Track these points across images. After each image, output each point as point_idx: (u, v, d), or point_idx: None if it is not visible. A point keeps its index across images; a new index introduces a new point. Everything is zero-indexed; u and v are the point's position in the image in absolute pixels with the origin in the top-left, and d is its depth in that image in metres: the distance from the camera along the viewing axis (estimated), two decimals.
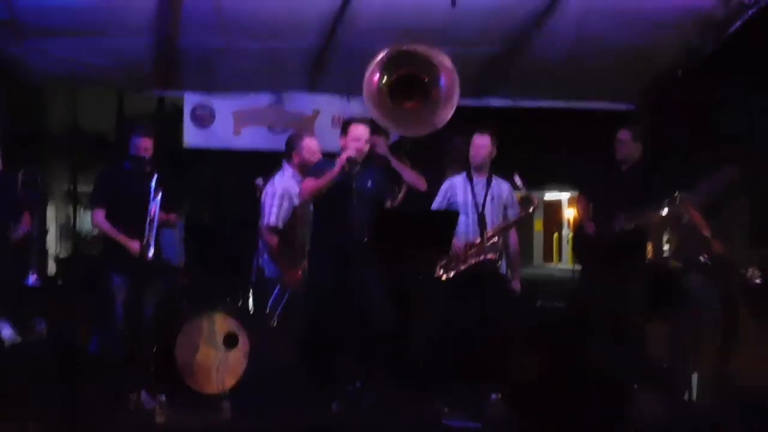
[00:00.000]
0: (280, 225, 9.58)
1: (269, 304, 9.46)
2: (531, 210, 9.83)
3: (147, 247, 9.12)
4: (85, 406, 8.10)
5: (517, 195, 9.89)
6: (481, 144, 9.60)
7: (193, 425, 8.47)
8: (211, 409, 8.84)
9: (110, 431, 8.14)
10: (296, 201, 9.57)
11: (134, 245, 9.14)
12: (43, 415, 7.79)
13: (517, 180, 9.55)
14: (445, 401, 8.87)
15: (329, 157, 9.22)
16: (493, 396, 8.99)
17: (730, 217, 9.67)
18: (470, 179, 9.61)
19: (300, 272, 9.35)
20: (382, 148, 9.61)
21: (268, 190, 9.69)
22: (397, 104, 8.84)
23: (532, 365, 9.55)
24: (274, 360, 9.08)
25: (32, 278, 9.36)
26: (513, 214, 9.72)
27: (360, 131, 8.94)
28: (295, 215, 9.62)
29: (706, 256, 9.37)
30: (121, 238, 9.24)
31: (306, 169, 9.39)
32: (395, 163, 9.51)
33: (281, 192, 9.62)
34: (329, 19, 10.23)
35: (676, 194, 9.79)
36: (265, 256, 9.69)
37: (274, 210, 9.58)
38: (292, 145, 9.89)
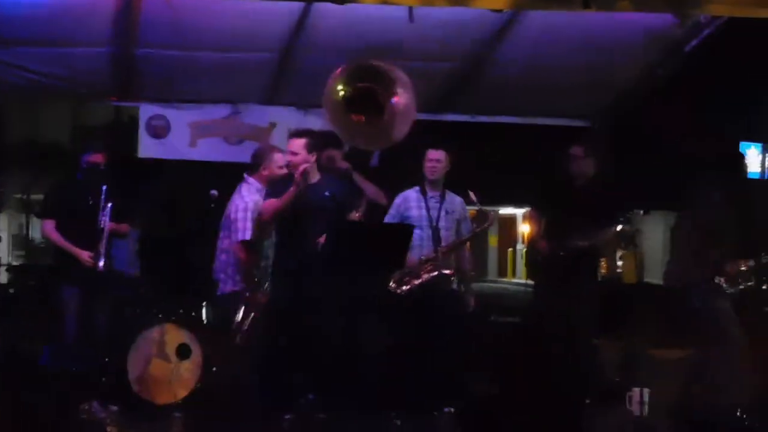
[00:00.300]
0: (252, 239, 9.54)
1: (235, 321, 9.40)
2: (486, 226, 9.88)
3: (98, 257, 9.17)
4: (36, 417, 8.06)
5: (472, 211, 9.94)
6: (436, 159, 9.64)
7: None
8: (164, 420, 8.82)
9: None
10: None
11: (84, 255, 9.18)
12: None
13: (472, 196, 9.59)
14: (397, 415, 8.89)
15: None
16: (446, 410, 9.00)
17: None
18: (424, 193, 9.64)
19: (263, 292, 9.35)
20: (342, 162, 9.65)
21: (237, 204, 9.63)
22: (355, 117, 8.87)
23: (485, 379, 9.59)
24: (229, 372, 9.08)
25: None
26: (466, 229, 9.75)
27: (295, 145, 9.00)
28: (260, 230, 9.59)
29: (722, 279, 9.32)
30: (71, 249, 9.28)
31: (273, 183, 9.37)
32: (357, 176, 9.55)
33: (252, 206, 9.56)
34: (287, 32, 10.22)
35: (632, 212, 9.88)
36: (229, 271, 9.66)
37: (248, 225, 9.52)
38: (260, 158, 9.85)
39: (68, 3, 9.14)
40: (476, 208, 9.78)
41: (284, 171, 9.46)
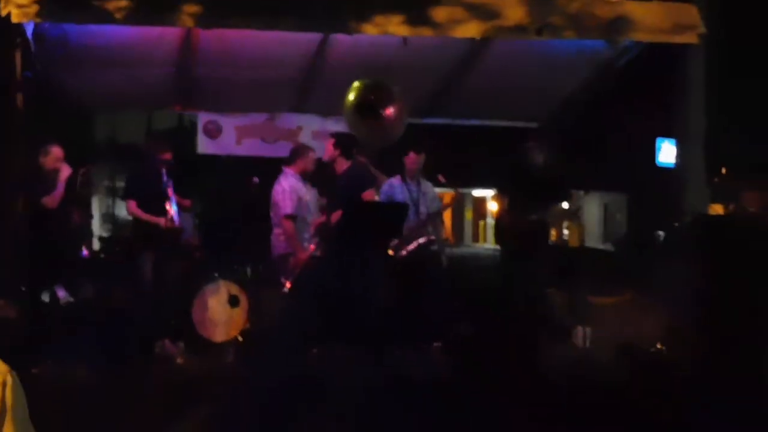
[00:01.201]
0: (294, 213, 9.56)
1: (282, 275, 9.43)
2: (452, 202, 10.04)
3: (178, 226, 9.29)
4: (122, 351, 8.08)
5: (449, 193, 10.03)
6: (414, 159, 9.76)
7: (205, 366, 8.46)
8: (220, 353, 8.84)
9: (141, 371, 8.12)
10: (304, 197, 9.57)
11: (161, 221, 9.24)
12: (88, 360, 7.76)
13: (441, 179, 9.75)
14: (398, 347, 8.91)
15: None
16: (434, 344, 9.02)
17: None
18: (404, 181, 9.73)
19: (308, 252, 9.37)
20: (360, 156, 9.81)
21: (278, 189, 9.66)
22: (366, 122, 8.97)
23: (464, 321, 9.60)
24: (270, 316, 9.10)
25: (84, 252, 9.38)
26: (438, 206, 9.87)
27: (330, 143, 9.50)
28: (300, 207, 9.61)
29: None
30: (152, 218, 9.35)
31: (306, 175, 9.53)
32: (373, 170, 9.70)
33: (289, 189, 9.60)
34: (310, 55, 10.21)
35: (576, 192, 9.92)
36: (279, 238, 9.67)
37: (288, 203, 9.55)
38: (297, 153, 9.86)
39: (142, 33, 9.11)
40: (451, 190, 9.90)
41: (313, 165, 9.51)
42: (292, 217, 9.53)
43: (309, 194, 9.71)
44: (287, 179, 9.69)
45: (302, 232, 9.58)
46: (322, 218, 9.55)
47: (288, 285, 9.25)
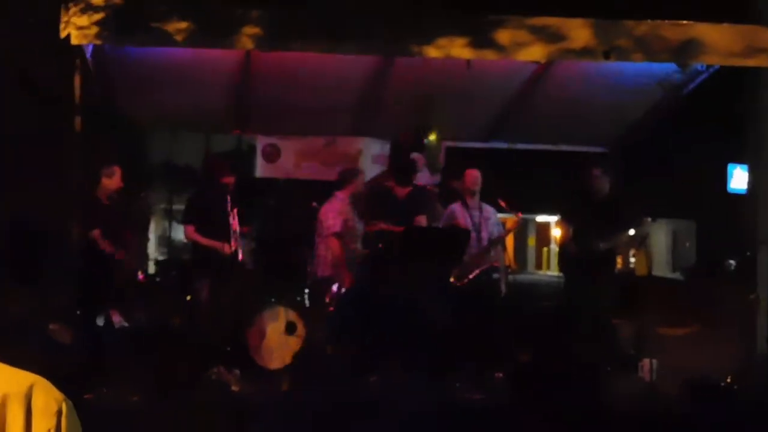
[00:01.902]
0: (342, 232, 9.60)
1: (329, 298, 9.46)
2: (515, 225, 9.97)
3: (237, 251, 9.32)
4: (177, 378, 8.12)
5: (510, 217, 10.00)
6: (474, 175, 9.70)
7: (260, 394, 8.48)
8: (274, 381, 8.86)
9: (195, 396, 8.17)
10: (350, 220, 9.60)
11: (226, 248, 9.28)
12: (143, 385, 7.83)
13: (502, 203, 9.70)
14: (458, 378, 8.89)
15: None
16: (496, 374, 8.97)
17: None
18: (466, 206, 9.68)
19: (352, 274, 9.39)
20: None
21: (326, 208, 9.70)
22: None
23: (527, 351, 9.55)
24: (325, 343, 9.11)
25: (140, 276, 9.46)
26: (500, 231, 9.79)
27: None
28: (347, 231, 9.65)
29: None
30: (213, 244, 9.40)
31: (356, 198, 9.50)
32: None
33: (338, 210, 9.64)
34: (371, 77, 10.26)
35: (644, 219, 9.85)
36: (321, 260, 9.69)
37: (338, 222, 9.58)
38: (347, 177, 9.89)
39: (202, 56, 9.22)
40: (511, 214, 9.86)
41: (363, 188, 9.60)
42: (339, 236, 9.54)
43: (355, 220, 9.72)
44: (336, 201, 9.72)
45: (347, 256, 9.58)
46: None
47: (331, 309, 9.27)
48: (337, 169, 11.07)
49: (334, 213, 9.60)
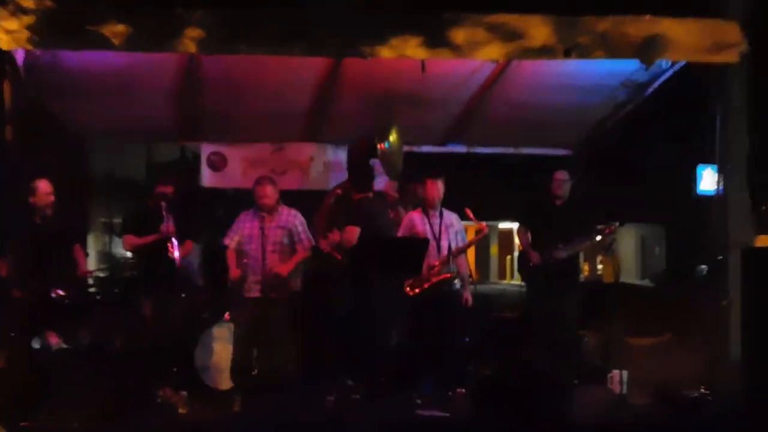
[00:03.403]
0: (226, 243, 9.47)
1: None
2: (480, 236, 9.93)
3: (173, 256, 9.27)
4: (119, 401, 8.08)
5: (473, 225, 9.95)
6: (434, 187, 9.63)
7: (209, 416, 8.44)
8: (225, 402, 8.83)
9: (140, 420, 8.12)
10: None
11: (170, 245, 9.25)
12: (85, 411, 7.78)
13: (468, 213, 9.64)
14: (417, 396, 8.89)
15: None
16: (457, 390, 8.99)
17: None
18: (426, 213, 9.64)
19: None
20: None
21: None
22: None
23: (489, 365, 9.58)
24: (280, 362, 9.08)
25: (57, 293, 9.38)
26: (463, 239, 9.73)
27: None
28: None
29: None
30: (151, 239, 9.49)
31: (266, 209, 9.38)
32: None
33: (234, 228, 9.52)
34: (322, 81, 10.25)
35: (610, 224, 9.90)
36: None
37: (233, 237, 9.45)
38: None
39: (141, 60, 9.16)
40: (474, 223, 9.79)
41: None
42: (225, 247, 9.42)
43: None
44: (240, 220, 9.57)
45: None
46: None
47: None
48: (287, 176, 11.11)
49: (231, 231, 9.48)
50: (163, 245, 9.31)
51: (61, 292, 9.04)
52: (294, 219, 9.41)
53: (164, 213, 9.39)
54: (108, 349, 9.42)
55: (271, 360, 9.10)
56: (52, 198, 9.22)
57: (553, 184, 10.18)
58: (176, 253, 9.28)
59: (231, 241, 9.36)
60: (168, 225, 9.35)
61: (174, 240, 9.32)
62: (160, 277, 9.42)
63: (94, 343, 9.40)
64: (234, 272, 9.16)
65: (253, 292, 9.18)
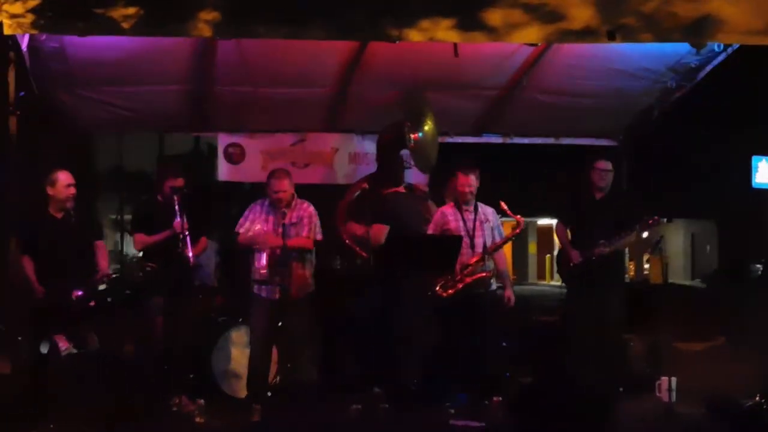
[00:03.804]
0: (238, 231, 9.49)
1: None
2: (517, 231, 9.83)
3: (186, 254, 9.22)
4: (132, 411, 8.13)
5: (510, 221, 9.92)
6: (467, 182, 9.58)
7: (227, 426, 8.49)
8: (244, 411, 8.87)
9: (155, 431, 8.18)
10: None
11: (176, 225, 9.22)
12: (96, 420, 7.82)
13: (504, 207, 9.58)
14: (451, 405, 8.91)
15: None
16: (494, 398, 8.99)
17: None
18: (459, 208, 9.60)
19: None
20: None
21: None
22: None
23: (528, 371, 9.58)
24: (303, 368, 9.11)
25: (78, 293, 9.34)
26: (500, 235, 9.71)
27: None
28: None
29: None
30: (161, 236, 9.41)
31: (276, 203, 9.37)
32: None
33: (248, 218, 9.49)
34: (345, 66, 10.27)
35: (652, 218, 9.81)
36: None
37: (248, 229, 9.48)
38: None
39: (153, 45, 9.21)
40: (510, 218, 9.74)
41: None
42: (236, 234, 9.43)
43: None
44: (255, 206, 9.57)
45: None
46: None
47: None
48: (309, 170, 11.13)
49: (243, 219, 9.48)
50: (175, 243, 9.29)
51: (79, 293, 9.02)
52: (309, 211, 9.40)
53: (177, 208, 9.37)
54: (119, 354, 9.48)
55: (292, 365, 9.12)
56: (73, 190, 9.14)
57: (595, 174, 10.09)
58: (190, 252, 9.25)
59: (243, 228, 9.34)
60: (180, 221, 9.31)
61: (187, 238, 9.28)
62: (173, 278, 9.41)
63: (105, 348, 9.45)
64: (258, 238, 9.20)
65: (271, 292, 9.18)
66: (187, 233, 9.25)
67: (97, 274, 9.34)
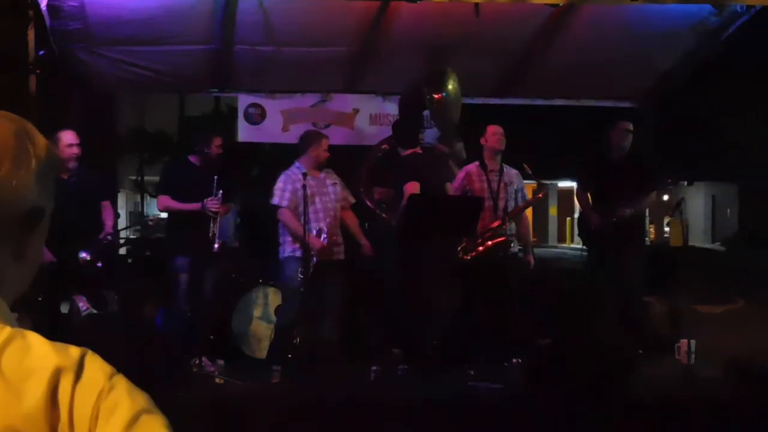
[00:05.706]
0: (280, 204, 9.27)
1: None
2: (540, 195, 9.82)
3: (213, 240, 9.10)
4: (152, 372, 8.13)
5: (531, 184, 9.88)
6: (495, 132, 9.57)
7: (247, 387, 8.49)
8: (264, 372, 8.87)
9: (175, 392, 8.18)
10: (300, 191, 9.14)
11: (208, 204, 9.09)
12: None
13: (527, 169, 9.54)
14: (469, 366, 8.89)
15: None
16: (514, 360, 8.97)
17: None
18: (484, 168, 9.57)
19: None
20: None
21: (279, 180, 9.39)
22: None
23: (548, 333, 9.55)
24: (324, 330, 9.09)
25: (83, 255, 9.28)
26: (523, 198, 9.68)
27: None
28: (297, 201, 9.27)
29: None
30: (189, 206, 9.23)
31: (319, 165, 9.30)
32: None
33: (283, 184, 9.31)
34: (367, 26, 10.22)
35: (680, 183, 9.78)
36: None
37: (285, 196, 9.24)
38: (306, 143, 9.51)
39: (169, 4, 9.17)
40: (533, 181, 9.69)
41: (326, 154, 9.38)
42: (278, 208, 9.23)
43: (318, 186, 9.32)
44: (290, 171, 9.38)
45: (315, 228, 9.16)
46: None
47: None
48: (331, 131, 11.07)
49: (281, 185, 9.31)
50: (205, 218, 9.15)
51: (85, 256, 8.99)
52: (334, 177, 9.37)
53: (214, 185, 9.16)
54: (139, 315, 9.49)
55: (317, 328, 9.10)
56: (75, 150, 9.05)
57: (615, 133, 10.07)
58: (216, 244, 9.13)
59: (283, 200, 9.17)
60: (217, 200, 9.14)
61: (218, 216, 9.13)
62: (196, 241, 9.33)
63: (124, 309, 9.46)
64: (296, 226, 9.03)
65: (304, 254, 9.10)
66: (219, 214, 9.14)
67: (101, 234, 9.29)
